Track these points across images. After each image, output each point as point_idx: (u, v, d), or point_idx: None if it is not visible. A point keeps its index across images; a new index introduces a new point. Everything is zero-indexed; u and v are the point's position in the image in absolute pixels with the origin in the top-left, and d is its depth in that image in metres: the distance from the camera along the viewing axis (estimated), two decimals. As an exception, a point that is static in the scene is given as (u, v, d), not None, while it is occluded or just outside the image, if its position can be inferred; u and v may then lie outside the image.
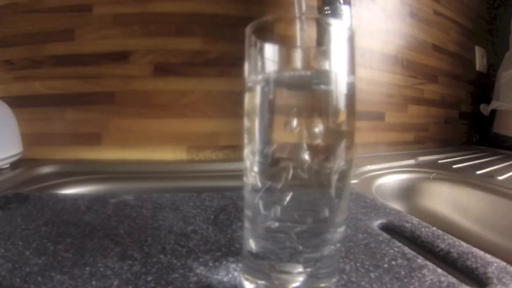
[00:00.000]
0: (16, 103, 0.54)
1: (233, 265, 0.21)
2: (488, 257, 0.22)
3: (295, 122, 0.16)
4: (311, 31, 0.17)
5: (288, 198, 0.16)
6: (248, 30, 0.17)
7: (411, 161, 0.64)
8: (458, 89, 0.97)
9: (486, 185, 0.47)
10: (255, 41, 0.17)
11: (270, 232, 0.17)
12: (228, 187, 0.42)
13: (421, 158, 0.66)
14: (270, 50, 0.17)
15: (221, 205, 0.33)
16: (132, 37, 0.56)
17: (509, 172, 0.55)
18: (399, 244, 0.24)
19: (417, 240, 0.26)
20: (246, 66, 0.18)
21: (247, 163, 0.17)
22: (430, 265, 0.21)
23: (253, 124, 0.17)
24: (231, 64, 0.58)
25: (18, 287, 0.18)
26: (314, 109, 0.16)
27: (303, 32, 0.18)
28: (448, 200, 0.49)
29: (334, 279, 0.18)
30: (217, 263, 0.21)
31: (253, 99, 0.17)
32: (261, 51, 0.17)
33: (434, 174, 0.54)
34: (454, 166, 0.60)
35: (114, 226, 0.27)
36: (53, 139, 0.57)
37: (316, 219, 0.16)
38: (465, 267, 0.22)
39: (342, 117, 0.16)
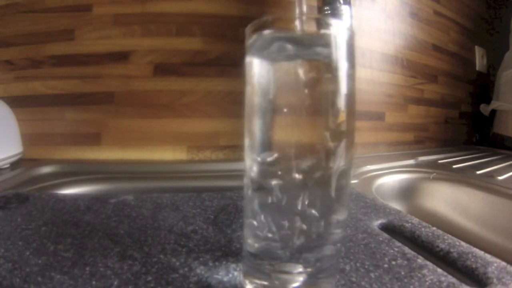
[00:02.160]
0: (16, 103, 0.54)
1: (233, 265, 0.21)
2: (488, 257, 0.22)
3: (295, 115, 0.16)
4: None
5: (288, 198, 0.16)
6: (248, 30, 0.17)
7: (411, 161, 0.64)
8: (458, 89, 0.97)
9: (486, 185, 0.47)
10: (255, 41, 0.17)
11: (270, 232, 0.17)
12: (228, 187, 0.42)
13: (421, 158, 0.66)
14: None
15: (221, 205, 0.33)
16: (132, 37, 0.56)
17: (509, 172, 0.55)
18: (399, 244, 0.24)
19: (417, 240, 0.26)
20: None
21: (247, 162, 0.17)
22: (430, 265, 0.21)
23: (253, 122, 0.17)
24: (231, 64, 0.58)
25: (18, 287, 0.18)
26: (315, 90, 0.16)
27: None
28: (448, 200, 0.49)
29: (334, 279, 0.18)
30: (217, 263, 0.21)
31: (253, 84, 0.17)
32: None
33: (434, 174, 0.54)
34: (454, 166, 0.60)
35: (114, 226, 0.27)
36: (53, 139, 0.57)
37: (316, 219, 0.16)
38: (465, 267, 0.22)
39: (342, 117, 0.16)
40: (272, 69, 0.17)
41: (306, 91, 0.16)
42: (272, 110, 0.17)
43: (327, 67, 0.16)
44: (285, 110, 0.16)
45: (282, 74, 0.17)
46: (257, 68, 0.17)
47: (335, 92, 0.16)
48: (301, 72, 0.16)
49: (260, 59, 0.17)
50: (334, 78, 0.16)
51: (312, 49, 0.16)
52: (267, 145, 0.17)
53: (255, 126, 0.17)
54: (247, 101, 0.18)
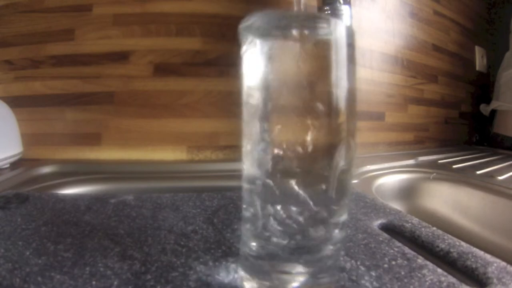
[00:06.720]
0: (16, 103, 0.54)
1: (233, 265, 0.21)
2: (488, 257, 0.22)
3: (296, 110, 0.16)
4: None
5: (287, 198, 0.16)
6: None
7: (411, 161, 0.64)
8: (458, 89, 0.97)
9: (486, 185, 0.47)
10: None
11: (270, 232, 0.17)
12: (228, 187, 0.42)
13: (421, 158, 0.66)
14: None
15: (221, 205, 0.33)
16: (132, 37, 0.56)
17: (509, 172, 0.55)
18: (399, 244, 0.24)
19: (417, 240, 0.26)
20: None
21: (246, 163, 0.17)
22: (430, 265, 0.21)
23: (252, 120, 0.17)
24: (231, 64, 0.57)
25: (18, 287, 0.18)
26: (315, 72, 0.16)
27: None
28: (448, 200, 0.49)
29: (334, 279, 0.18)
30: (217, 263, 0.21)
31: (250, 78, 0.17)
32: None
33: (434, 174, 0.54)
34: (454, 166, 0.60)
35: (114, 226, 0.27)
36: (53, 139, 0.57)
37: (316, 219, 0.16)
38: (465, 267, 0.22)
39: (343, 117, 0.16)
40: (268, 54, 0.17)
41: (306, 88, 0.16)
42: (271, 107, 0.17)
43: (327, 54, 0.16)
44: (283, 108, 0.16)
45: (279, 60, 0.17)
46: (253, 56, 0.17)
47: (335, 91, 0.16)
48: (300, 56, 0.16)
49: (257, 40, 0.17)
50: (334, 74, 0.16)
51: (311, 25, 0.16)
52: (266, 145, 0.17)
53: (254, 125, 0.17)
54: (245, 99, 0.18)
